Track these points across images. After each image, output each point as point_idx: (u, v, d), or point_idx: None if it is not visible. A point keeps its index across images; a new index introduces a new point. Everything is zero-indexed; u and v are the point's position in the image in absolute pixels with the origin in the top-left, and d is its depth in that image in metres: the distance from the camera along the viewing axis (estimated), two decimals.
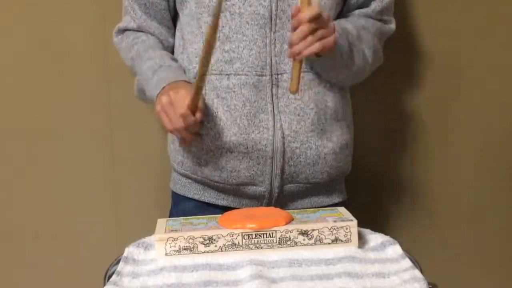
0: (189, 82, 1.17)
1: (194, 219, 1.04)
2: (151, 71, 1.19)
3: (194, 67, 1.20)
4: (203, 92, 1.16)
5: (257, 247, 0.97)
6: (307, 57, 1.09)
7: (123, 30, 1.29)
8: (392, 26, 1.33)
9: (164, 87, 1.14)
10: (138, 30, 1.27)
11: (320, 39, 1.07)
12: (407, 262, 0.94)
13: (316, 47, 1.07)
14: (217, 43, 1.16)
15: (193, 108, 1.10)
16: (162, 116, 1.13)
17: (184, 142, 1.20)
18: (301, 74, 1.09)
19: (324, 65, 1.18)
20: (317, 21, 1.06)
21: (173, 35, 1.29)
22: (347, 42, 1.17)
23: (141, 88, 1.24)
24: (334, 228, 0.98)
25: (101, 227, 1.58)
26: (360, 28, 1.23)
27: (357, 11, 1.28)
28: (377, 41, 1.27)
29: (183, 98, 1.10)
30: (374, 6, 1.27)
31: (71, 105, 1.52)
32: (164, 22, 1.27)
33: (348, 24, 1.22)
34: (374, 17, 1.29)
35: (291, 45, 1.07)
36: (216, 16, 1.00)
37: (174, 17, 1.28)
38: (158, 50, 1.24)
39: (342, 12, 1.28)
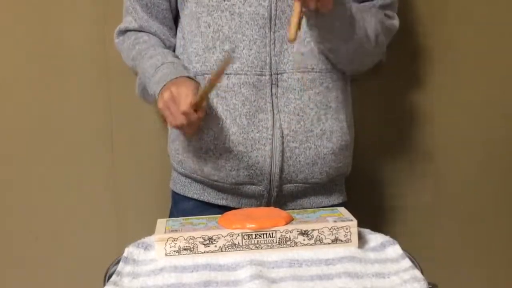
0: (191, 78, 1.16)
1: (194, 219, 1.04)
2: (153, 68, 1.19)
3: (194, 67, 1.20)
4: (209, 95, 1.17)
5: (257, 247, 0.97)
6: (307, 13, 1.08)
7: (124, 31, 1.29)
8: (395, 22, 1.30)
9: (165, 84, 1.14)
10: (140, 30, 1.27)
11: None
12: (407, 262, 0.94)
13: None
14: (217, 43, 1.17)
15: (195, 107, 1.10)
16: (164, 112, 1.13)
17: (185, 134, 1.20)
18: (301, 22, 1.07)
19: (323, 30, 1.16)
20: None
21: (175, 35, 1.29)
22: (348, 11, 1.16)
23: (144, 87, 1.24)
24: (334, 228, 0.98)
25: (101, 227, 1.58)
26: (363, 10, 1.21)
27: (361, 4, 1.27)
28: (381, 30, 1.24)
29: (185, 95, 1.09)
30: (381, 1, 1.26)
31: (71, 105, 1.52)
32: (166, 22, 1.27)
33: (352, 6, 1.20)
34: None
35: None
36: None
37: (176, 17, 1.28)
38: (160, 48, 1.24)
39: None
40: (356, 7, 1.20)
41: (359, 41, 1.19)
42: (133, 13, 1.26)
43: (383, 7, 1.27)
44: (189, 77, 1.16)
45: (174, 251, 0.96)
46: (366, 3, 1.26)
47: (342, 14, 1.14)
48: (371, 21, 1.22)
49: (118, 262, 0.96)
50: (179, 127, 1.13)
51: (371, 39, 1.21)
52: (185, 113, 1.09)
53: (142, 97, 1.28)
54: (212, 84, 1.08)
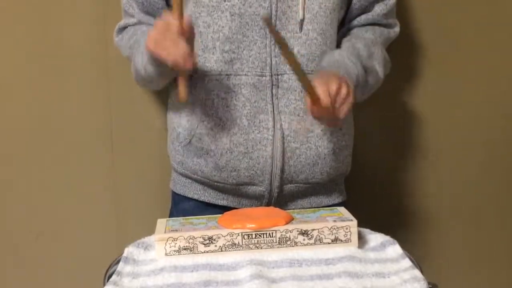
0: None
1: (194, 219, 1.04)
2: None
3: None
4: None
5: (257, 247, 0.97)
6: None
7: (123, 28, 1.29)
8: (397, 29, 1.34)
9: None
10: (139, 23, 1.26)
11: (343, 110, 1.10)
12: (407, 262, 0.94)
13: (344, 112, 1.11)
14: (217, 43, 1.17)
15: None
16: (158, 50, 1.04)
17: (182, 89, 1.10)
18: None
19: None
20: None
21: None
22: (361, 67, 1.19)
23: (137, 72, 1.19)
24: (334, 228, 0.98)
25: (101, 227, 1.58)
26: (370, 45, 1.24)
27: (363, 17, 1.28)
28: (385, 50, 1.29)
29: (167, 23, 1.03)
30: (379, 10, 1.27)
31: (71, 105, 1.52)
32: None
33: (359, 43, 1.23)
34: (379, 22, 1.29)
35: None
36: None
37: None
38: None
39: (346, 17, 1.29)
40: (364, 47, 1.22)
41: (372, 85, 1.24)
42: (130, 9, 1.26)
43: (385, 15, 1.28)
44: None
45: (174, 251, 0.96)
46: (368, 16, 1.27)
47: (358, 84, 1.18)
48: (378, 55, 1.25)
49: (118, 262, 0.96)
50: (178, 56, 1.02)
51: (381, 73, 1.26)
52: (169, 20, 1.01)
53: (139, 81, 1.24)
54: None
